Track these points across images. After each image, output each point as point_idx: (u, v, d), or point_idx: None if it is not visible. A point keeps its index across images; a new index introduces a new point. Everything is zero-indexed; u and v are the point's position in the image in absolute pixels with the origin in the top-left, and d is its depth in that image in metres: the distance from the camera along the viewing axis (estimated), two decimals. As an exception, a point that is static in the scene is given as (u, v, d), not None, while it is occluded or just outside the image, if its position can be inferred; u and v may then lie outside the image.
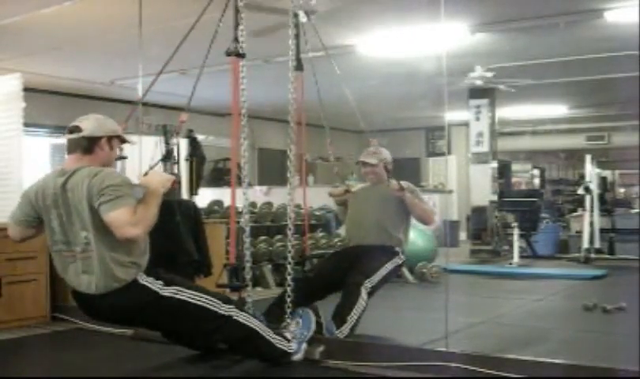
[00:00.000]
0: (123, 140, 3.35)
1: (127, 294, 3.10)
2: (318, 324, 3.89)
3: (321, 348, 3.69)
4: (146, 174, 3.34)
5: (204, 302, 3.25)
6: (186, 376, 3.65)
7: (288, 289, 4.00)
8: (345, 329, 3.97)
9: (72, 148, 3.18)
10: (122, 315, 3.25)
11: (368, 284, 4.13)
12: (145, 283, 3.14)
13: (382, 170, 4.58)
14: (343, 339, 3.91)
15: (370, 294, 4.14)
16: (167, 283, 3.20)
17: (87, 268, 3.07)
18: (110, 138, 3.23)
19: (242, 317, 3.36)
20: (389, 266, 4.33)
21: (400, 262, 4.49)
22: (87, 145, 3.15)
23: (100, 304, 3.13)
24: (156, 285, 3.16)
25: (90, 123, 3.20)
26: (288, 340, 3.57)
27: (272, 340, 3.46)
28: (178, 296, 3.19)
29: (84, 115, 3.27)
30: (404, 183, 4.47)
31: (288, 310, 3.96)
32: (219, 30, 3.86)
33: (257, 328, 3.40)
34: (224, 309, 3.30)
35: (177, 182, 3.44)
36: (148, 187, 3.13)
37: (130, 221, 2.95)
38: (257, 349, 3.46)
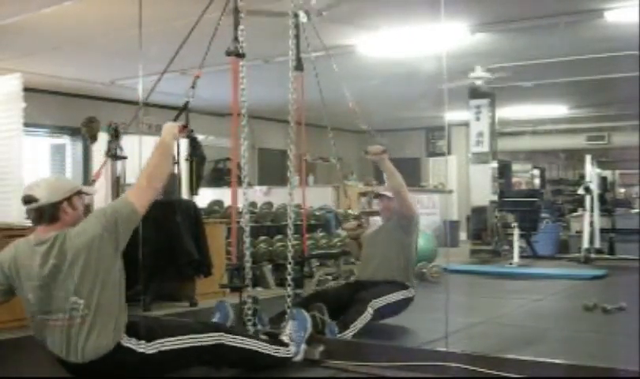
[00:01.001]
0: (83, 193, 3.15)
1: (113, 361, 2.97)
2: (322, 322, 3.92)
3: (321, 348, 3.69)
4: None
5: (189, 342, 3.15)
6: (186, 376, 3.65)
7: (288, 289, 4.00)
8: (347, 334, 4.05)
9: (35, 219, 3.00)
10: None
11: (375, 303, 4.30)
12: (129, 345, 3.00)
13: (393, 205, 4.72)
14: (343, 339, 3.92)
15: (375, 312, 4.28)
16: (149, 339, 3.06)
17: (71, 335, 2.93)
18: (69, 199, 3.02)
19: (232, 341, 3.28)
20: (398, 295, 4.50)
21: (411, 296, 4.63)
22: (50, 213, 2.96)
23: (88, 372, 3.01)
24: (139, 346, 3.02)
25: (43, 190, 2.99)
26: (287, 345, 3.57)
27: (270, 352, 3.44)
28: (164, 348, 3.07)
29: (36, 181, 3.07)
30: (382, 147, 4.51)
31: (289, 310, 3.96)
32: (219, 30, 3.86)
33: (252, 347, 3.36)
34: (213, 340, 3.21)
35: (185, 126, 3.40)
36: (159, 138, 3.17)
37: (144, 183, 3.05)
38: (258, 364, 3.44)
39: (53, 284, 2.93)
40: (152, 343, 3.06)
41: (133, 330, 3.05)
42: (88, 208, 3.28)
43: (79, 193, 3.10)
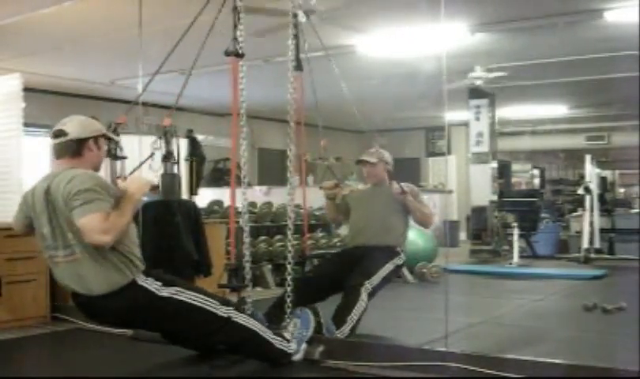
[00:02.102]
0: (109, 138, 3.36)
1: (125, 296, 3.07)
2: (318, 324, 3.90)
3: (321, 348, 3.69)
4: (125, 179, 3.34)
5: (203, 303, 3.24)
6: (186, 376, 3.65)
7: (288, 289, 4.00)
8: (345, 329, 3.98)
9: (60, 152, 3.14)
10: (121, 317, 3.23)
11: (369, 285, 4.15)
12: (144, 284, 3.12)
13: (381, 170, 4.62)
14: (343, 339, 3.91)
15: (370, 294, 4.16)
16: (167, 284, 3.18)
17: (81, 271, 3.04)
18: (96, 138, 3.20)
19: (241, 319, 3.36)
20: (389, 266, 4.36)
21: (401, 262, 4.53)
22: (75, 148, 3.12)
23: (99, 306, 3.11)
24: (154, 286, 3.14)
25: (75, 126, 3.15)
26: (288, 341, 3.58)
27: (271, 341, 3.46)
28: (177, 297, 3.18)
29: (66, 118, 3.22)
30: (405, 186, 4.52)
31: (288, 310, 3.96)
32: (219, 30, 3.86)
33: (257, 329, 3.40)
34: (223, 311, 3.29)
35: (156, 187, 3.42)
36: (126, 192, 3.09)
37: (101, 228, 2.89)
38: (256, 350, 3.46)
39: (55, 219, 3.04)
40: (168, 287, 3.16)
41: (153, 273, 3.17)
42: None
43: (105, 136, 3.27)
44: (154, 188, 3.35)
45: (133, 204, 3.09)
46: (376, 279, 4.23)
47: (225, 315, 3.29)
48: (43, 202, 3.05)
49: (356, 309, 4.06)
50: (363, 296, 4.10)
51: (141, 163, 4.07)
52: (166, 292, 3.16)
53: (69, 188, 2.96)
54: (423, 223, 4.69)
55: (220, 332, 3.32)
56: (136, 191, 3.12)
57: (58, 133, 3.14)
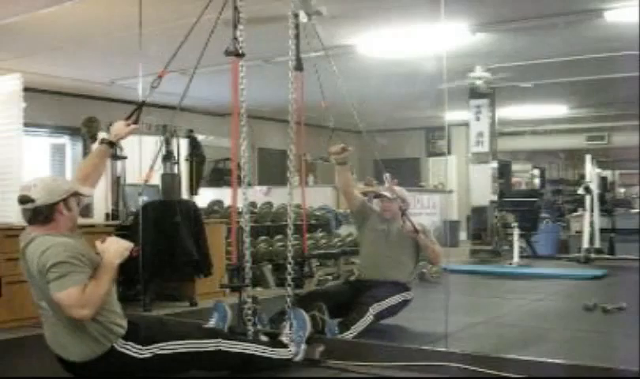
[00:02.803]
0: (79, 194, 3.10)
1: (107, 364, 2.96)
2: (322, 321, 3.92)
3: (321, 348, 3.69)
4: (104, 241, 3.02)
5: (188, 347, 3.13)
6: (185, 376, 3.64)
7: (288, 289, 4.00)
8: (347, 336, 4.05)
9: (29, 219, 2.98)
10: None
11: (377, 307, 4.29)
12: (123, 350, 2.98)
13: (397, 207, 4.69)
14: (343, 339, 3.92)
15: (376, 316, 4.28)
16: (146, 343, 3.03)
17: (59, 337, 2.95)
18: (66, 200, 3.00)
19: (230, 346, 3.27)
20: (398, 298, 4.51)
21: (409, 298, 4.65)
22: (45, 215, 2.94)
23: (81, 372, 3.00)
24: (134, 350, 2.99)
25: (40, 191, 2.95)
26: (286, 346, 3.57)
27: (269, 355, 3.44)
28: (160, 353, 3.05)
29: (32, 181, 3.02)
30: (418, 224, 4.61)
31: (288, 310, 3.96)
32: (219, 30, 3.85)
33: (251, 351, 3.35)
34: (211, 346, 3.20)
35: (137, 251, 3.21)
36: (103, 258, 2.91)
37: (79, 302, 2.77)
38: (257, 368, 3.43)
39: (32, 282, 2.97)
40: (149, 347, 3.03)
41: (132, 334, 3.03)
42: (88, 208, 3.26)
43: (75, 194, 3.06)
44: (133, 251, 3.13)
45: (111, 273, 2.90)
46: (384, 304, 4.37)
47: (214, 348, 3.19)
48: (22, 261, 2.98)
49: (361, 321, 4.18)
50: (371, 312, 4.24)
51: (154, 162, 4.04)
52: (148, 353, 3.02)
53: (43, 261, 2.83)
54: (434, 260, 4.94)
55: (215, 365, 3.29)
56: (113, 258, 2.90)
57: (24, 199, 2.95)
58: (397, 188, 4.80)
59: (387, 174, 4.74)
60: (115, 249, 2.94)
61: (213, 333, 3.39)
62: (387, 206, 4.78)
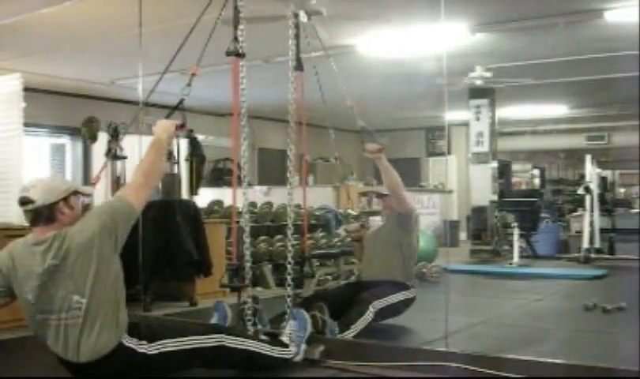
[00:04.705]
0: (79, 193, 3.11)
1: (115, 361, 2.97)
2: (323, 322, 3.92)
3: (321, 348, 3.69)
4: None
5: (192, 343, 3.15)
6: (186, 376, 3.65)
7: (288, 289, 4.00)
8: (348, 335, 4.04)
9: (32, 220, 2.98)
10: None
11: (377, 304, 4.29)
12: (130, 345, 3.00)
13: (391, 201, 4.70)
14: (343, 339, 3.92)
15: (377, 314, 4.27)
16: (151, 339, 3.06)
17: (71, 334, 2.92)
18: (66, 199, 3.00)
19: (233, 342, 3.29)
20: (399, 296, 4.50)
21: (411, 296, 4.63)
22: (47, 215, 2.95)
23: (90, 373, 3.00)
24: (141, 347, 3.02)
25: (39, 191, 2.96)
26: (287, 345, 3.57)
27: (270, 354, 3.44)
28: (165, 349, 3.07)
29: (31, 182, 3.05)
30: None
31: (288, 310, 3.96)
32: (219, 30, 3.86)
33: (253, 348, 3.37)
34: (214, 341, 3.22)
35: (182, 125, 3.35)
36: (154, 135, 3.15)
37: (138, 182, 3.06)
38: (258, 366, 3.44)
39: (52, 283, 2.91)
40: (153, 343, 3.06)
41: (135, 330, 3.05)
42: (87, 208, 3.26)
43: (75, 193, 3.07)
44: (181, 126, 3.33)
45: (159, 146, 3.16)
46: (384, 301, 4.36)
47: (217, 344, 3.22)
48: (34, 267, 2.91)
49: (362, 320, 4.17)
50: (371, 310, 4.23)
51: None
52: (154, 349, 3.04)
53: (87, 232, 2.90)
54: (392, 185, 4.49)
55: (217, 362, 3.29)
56: (161, 133, 3.17)
57: (24, 201, 2.96)
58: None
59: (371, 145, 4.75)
60: (163, 125, 3.23)
61: (216, 329, 3.40)
62: (387, 204, 4.79)
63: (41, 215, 2.96)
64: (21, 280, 2.97)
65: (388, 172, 4.48)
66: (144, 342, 3.04)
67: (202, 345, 3.18)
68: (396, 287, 4.53)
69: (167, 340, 3.10)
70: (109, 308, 2.95)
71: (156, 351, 3.05)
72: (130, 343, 3.00)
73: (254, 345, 3.39)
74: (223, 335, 3.28)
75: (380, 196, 4.91)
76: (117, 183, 6.12)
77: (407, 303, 4.58)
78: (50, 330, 2.98)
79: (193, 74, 3.61)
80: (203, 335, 3.22)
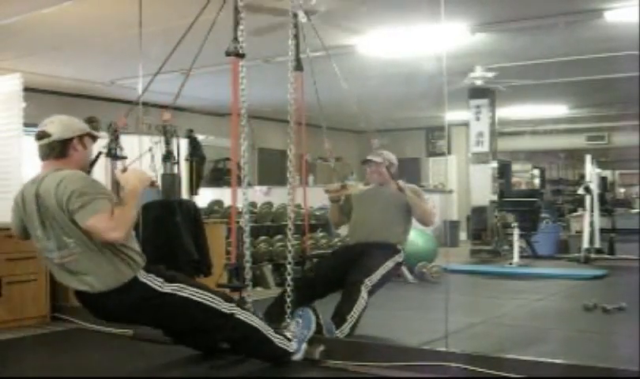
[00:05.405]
0: (94, 137, 3.27)
1: (127, 293, 3.07)
2: (318, 325, 3.89)
3: (321, 348, 3.69)
4: (124, 170, 3.26)
5: (206, 299, 3.24)
6: (186, 376, 3.65)
7: (288, 289, 4.00)
8: (345, 328, 3.97)
9: (44, 154, 3.11)
10: (124, 313, 3.23)
11: (368, 283, 4.14)
12: (146, 280, 3.11)
13: (385, 170, 4.64)
14: (343, 339, 3.91)
15: (370, 292, 4.16)
16: (169, 280, 3.18)
17: (81, 269, 3.03)
18: (81, 137, 3.16)
19: (243, 316, 3.35)
20: (389, 264, 4.35)
21: (401, 260, 4.53)
22: (60, 149, 3.08)
23: (101, 302, 3.11)
24: (156, 282, 3.13)
25: (57, 126, 3.11)
26: (289, 340, 3.57)
27: (273, 339, 3.46)
28: (180, 293, 3.18)
29: (48, 118, 3.18)
30: (409, 186, 4.58)
31: (288, 310, 3.96)
32: (219, 30, 3.86)
33: (259, 327, 3.40)
34: (226, 307, 3.29)
35: (154, 183, 3.38)
36: (126, 186, 3.08)
37: (109, 226, 2.90)
38: (258, 347, 3.46)
39: (47, 222, 3.01)
40: (170, 284, 3.16)
41: (154, 269, 3.17)
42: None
43: (89, 134, 3.21)
44: (153, 184, 3.31)
45: (136, 198, 3.08)
46: (376, 276, 4.21)
47: (228, 311, 3.29)
48: (34, 205, 3.03)
49: (356, 307, 4.05)
50: (363, 293, 4.08)
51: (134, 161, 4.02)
52: (168, 289, 3.15)
53: (60, 192, 2.93)
54: (424, 219, 4.64)
55: (223, 329, 3.32)
56: (138, 183, 3.11)
57: (42, 135, 3.08)
58: (383, 151, 4.72)
59: (375, 140, 4.72)
60: (137, 175, 3.18)
61: (231, 299, 3.42)
62: (374, 169, 4.68)
63: (54, 149, 3.08)
64: (30, 217, 3.08)
65: (416, 207, 4.52)
66: (161, 279, 3.15)
67: (215, 306, 3.25)
68: (387, 252, 4.39)
69: (184, 285, 3.20)
70: (106, 248, 3.00)
71: (170, 291, 3.15)
72: (146, 278, 3.11)
73: (260, 325, 3.41)
74: (235, 306, 3.35)
75: (367, 162, 4.73)
76: (117, 183, 6.12)
77: (397, 268, 4.52)
78: (55, 267, 3.10)
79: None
80: (219, 297, 3.29)
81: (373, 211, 4.59)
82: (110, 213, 2.93)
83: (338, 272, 4.30)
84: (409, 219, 4.65)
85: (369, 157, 4.71)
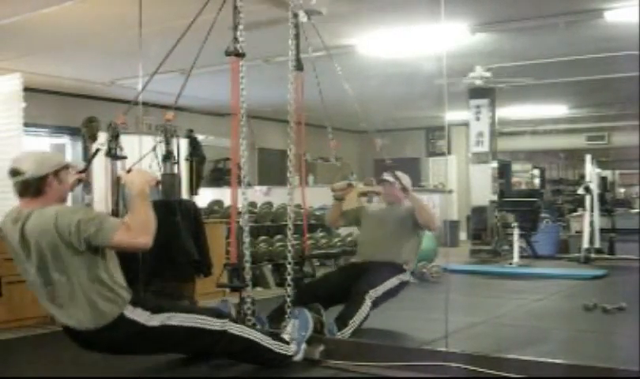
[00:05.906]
0: (70, 167, 3.14)
1: (116, 331, 3.00)
2: (320, 323, 3.91)
3: (321, 348, 3.69)
4: (129, 171, 3.16)
5: (196, 322, 3.17)
6: (186, 376, 3.65)
7: (288, 289, 4.00)
8: (346, 333, 4.02)
9: (20, 191, 2.99)
10: (115, 349, 3.18)
11: (373, 294, 4.24)
12: (132, 316, 3.01)
13: (397, 190, 4.71)
14: (343, 339, 3.92)
15: (374, 303, 4.24)
16: (155, 311, 3.08)
17: (70, 305, 2.96)
18: (56, 172, 3.02)
19: (237, 329, 3.31)
20: (394, 281, 4.45)
21: (406, 279, 4.61)
22: (35, 187, 2.95)
23: (92, 340, 3.05)
24: (143, 317, 3.04)
25: (30, 163, 2.98)
26: (287, 343, 3.57)
27: (271, 347, 3.45)
28: (168, 323, 3.09)
29: (23, 154, 3.10)
30: (404, 181, 4.62)
31: (288, 310, 3.96)
32: (219, 29, 3.85)
33: (255, 338, 3.38)
34: (218, 325, 3.23)
35: (159, 182, 3.33)
36: (132, 190, 2.99)
37: (132, 234, 2.86)
38: (257, 357, 3.45)
39: (28, 259, 2.96)
40: (157, 315, 3.07)
41: (141, 301, 3.08)
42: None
43: (66, 167, 3.09)
44: (158, 183, 3.26)
45: (146, 199, 2.98)
46: (381, 289, 4.31)
47: (221, 328, 3.23)
48: (19, 243, 2.95)
49: (359, 314, 4.14)
50: (367, 302, 4.18)
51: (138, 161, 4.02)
52: (156, 321, 3.06)
53: (63, 226, 2.84)
54: (429, 224, 4.70)
55: (218, 346, 3.28)
56: (143, 185, 3.00)
57: (14, 172, 2.97)
58: (399, 173, 4.76)
59: (378, 140, 4.78)
60: (142, 176, 3.06)
61: (221, 314, 3.38)
62: (389, 189, 4.77)
63: (30, 187, 2.97)
64: (16, 250, 3.01)
65: (421, 211, 4.57)
66: (148, 312, 3.05)
67: (206, 326, 3.19)
68: (393, 270, 4.47)
69: (171, 313, 3.11)
70: (92, 284, 2.94)
71: (159, 323, 3.06)
72: (133, 314, 3.01)
73: (256, 336, 3.39)
74: (227, 321, 3.29)
75: (382, 182, 4.86)
76: (117, 183, 6.12)
77: (402, 286, 4.56)
78: (44, 301, 3.04)
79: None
80: (209, 317, 3.23)
81: (382, 230, 4.68)
82: (126, 226, 2.88)
83: (343, 284, 4.40)
84: (418, 241, 4.75)
85: (385, 176, 4.81)
